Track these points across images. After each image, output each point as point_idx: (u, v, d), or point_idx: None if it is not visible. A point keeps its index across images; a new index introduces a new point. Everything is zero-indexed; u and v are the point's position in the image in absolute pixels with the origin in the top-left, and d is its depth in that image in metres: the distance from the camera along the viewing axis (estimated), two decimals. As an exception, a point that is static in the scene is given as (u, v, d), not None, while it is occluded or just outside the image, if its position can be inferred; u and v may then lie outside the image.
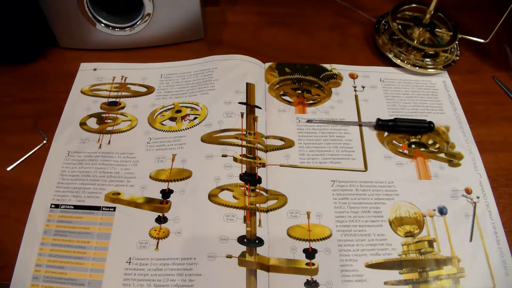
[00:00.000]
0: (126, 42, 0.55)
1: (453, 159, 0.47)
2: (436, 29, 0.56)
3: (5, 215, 0.42)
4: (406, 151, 0.48)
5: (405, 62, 0.55)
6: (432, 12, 0.54)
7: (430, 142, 0.49)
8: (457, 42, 0.56)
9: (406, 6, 0.58)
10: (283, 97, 0.52)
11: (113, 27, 0.53)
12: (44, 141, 0.47)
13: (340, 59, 0.56)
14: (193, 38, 0.57)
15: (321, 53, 0.57)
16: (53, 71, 0.54)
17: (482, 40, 0.54)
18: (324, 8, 0.63)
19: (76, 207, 0.43)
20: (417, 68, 0.54)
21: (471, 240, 0.42)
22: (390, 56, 0.55)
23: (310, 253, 0.40)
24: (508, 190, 0.45)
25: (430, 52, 0.56)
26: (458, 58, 0.56)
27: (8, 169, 0.45)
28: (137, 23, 0.52)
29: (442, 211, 0.44)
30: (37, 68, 0.54)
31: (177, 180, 0.44)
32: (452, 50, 0.57)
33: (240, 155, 0.45)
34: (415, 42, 0.54)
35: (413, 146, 0.49)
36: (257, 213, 0.42)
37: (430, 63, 0.55)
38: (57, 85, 0.52)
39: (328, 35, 0.60)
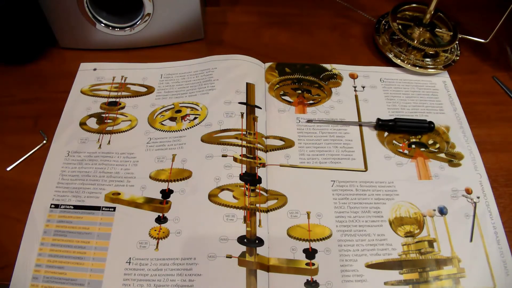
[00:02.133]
0: (126, 42, 0.55)
1: (453, 159, 0.47)
2: (436, 29, 0.56)
3: (5, 215, 0.42)
4: (406, 151, 0.48)
5: (405, 62, 0.55)
6: (432, 12, 0.54)
7: (430, 142, 0.49)
8: (457, 42, 0.56)
9: (406, 6, 0.58)
10: (283, 97, 0.52)
11: (113, 27, 0.53)
12: (44, 141, 0.47)
13: (340, 59, 0.56)
14: (193, 38, 0.57)
15: (321, 53, 0.57)
16: (53, 71, 0.54)
17: (482, 40, 0.54)
18: (324, 8, 0.63)
19: (76, 207, 0.43)
20: (417, 68, 0.54)
21: (471, 240, 0.42)
22: (390, 56, 0.55)
23: (310, 253, 0.40)
24: (508, 190, 0.45)
25: (430, 52, 0.56)
26: (458, 58, 0.56)
27: (8, 169, 0.45)
28: (137, 23, 0.52)
29: (442, 211, 0.44)
30: (37, 68, 0.54)
31: (177, 180, 0.44)
32: (452, 50, 0.57)
33: (240, 155, 0.45)
34: (415, 42, 0.54)
35: (413, 146, 0.49)
36: (257, 213, 0.42)
37: (430, 63, 0.55)
38: (57, 85, 0.52)
39: (328, 35, 0.60)
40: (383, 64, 0.56)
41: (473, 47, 0.59)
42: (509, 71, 0.57)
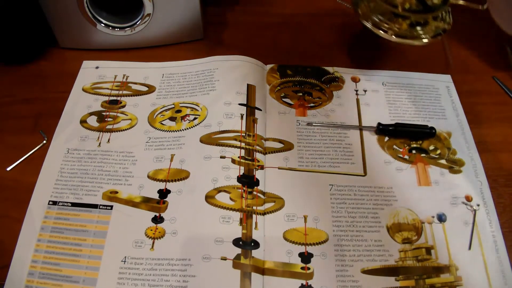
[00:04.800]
0: (126, 42, 0.55)
1: (454, 166, 0.47)
2: None
3: (5, 215, 0.42)
4: (406, 157, 0.48)
5: (388, 33, 0.47)
6: None
7: (431, 148, 0.48)
8: (449, 8, 0.48)
9: None
10: (284, 99, 0.52)
11: (113, 27, 0.53)
12: (44, 141, 0.47)
13: (341, 62, 0.56)
14: (193, 38, 0.57)
15: (323, 55, 0.57)
16: (53, 71, 0.54)
17: (479, 7, 0.48)
18: (324, 9, 0.63)
19: (74, 204, 0.43)
20: (403, 39, 0.47)
21: (469, 248, 0.41)
22: (369, 25, 0.48)
23: (305, 257, 0.40)
24: (508, 190, 0.45)
25: (418, 21, 0.47)
26: (450, 26, 0.48)
27: (8, 169, 0.45)
28: (137, 23, 0.52)
29: (441, 218, 0.43)
30: (37, 68, 0.54)
31: (175, 181, 0.44)
32: (443, 17, 0.48)
33: (239, 157, 0.45)
34: (399, 8, 0.46)
35: (413, 151, 0.48)
36: (254, 216, 0.42)
37: (417, 32, 0.47)
38: (57, 85, 0.52)
39: (329, 36, 0.59)
40: (385, 68, 0.56)
41: (472, 47, 0.58)
42: (509, 71, 0.56)
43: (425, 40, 0.47)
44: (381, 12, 0.47)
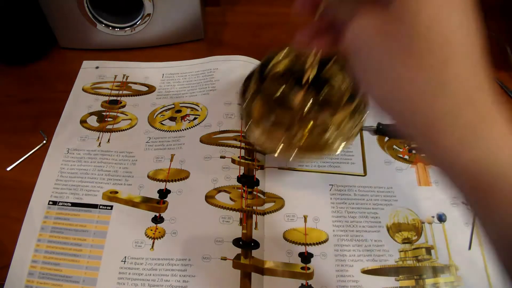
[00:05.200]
0: (127, 42, 0.55)
1: (454, 166, 0.47)
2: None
3: (5, 215, 0.42)
4: (406, 157, 0.47)
5: (284, 148, 0.35)
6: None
7: (431, 147, 0.48)
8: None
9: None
10: (284, 99, 0.52)
11: (113, 27, 0.53)
12: (44, 141, 0.47)
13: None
14: (193, 38, 0.57)
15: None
16: (53, 71, 0.54)
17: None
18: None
19: (74, 204, 0.43)
20: (307, 152, 0.36)
21: (469, 248, 0.41)
22: (253, 139, 0.36)
23: (305, 257, 0.40)
24: None
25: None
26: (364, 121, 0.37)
27: (8, 169, 0.45)
28: (137, 23, 0.52)
29: (441, 218, 0.43)
30: (38, 68, 0.54)
31: (175, 181, 0.44)
32: (360, 107, 0.35)
33: (239, 157, 0.45)
34: (298, 112, 0.33)
35: (413, 151, 0.48)
36: (254, 216, 0.42)
37: (325, 139, 0.34)
38: (58, 85, 0.52)
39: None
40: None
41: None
42: (509, 71, 0.56)
43: (341, 148, 0.35)
44: (271, 119, 0.33)
